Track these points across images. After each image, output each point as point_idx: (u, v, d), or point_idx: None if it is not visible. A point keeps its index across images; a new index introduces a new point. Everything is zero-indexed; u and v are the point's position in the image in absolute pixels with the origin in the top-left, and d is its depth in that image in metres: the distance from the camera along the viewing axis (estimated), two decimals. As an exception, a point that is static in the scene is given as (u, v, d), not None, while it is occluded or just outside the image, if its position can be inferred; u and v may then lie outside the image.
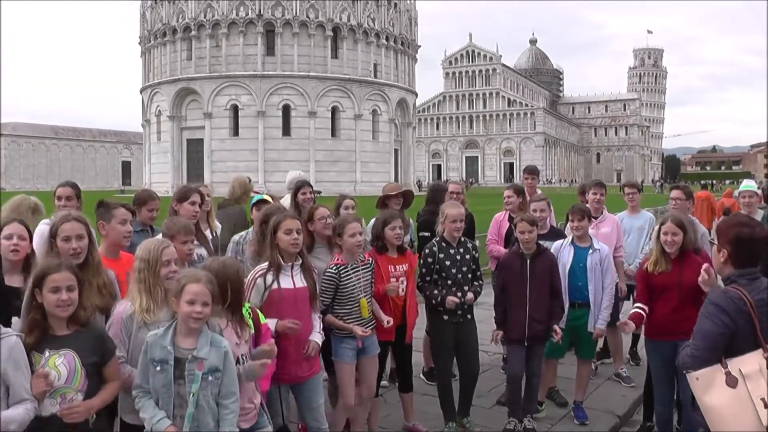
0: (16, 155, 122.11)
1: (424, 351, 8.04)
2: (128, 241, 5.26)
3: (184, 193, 6.50)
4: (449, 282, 6.28)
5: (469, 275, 6.39)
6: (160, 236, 5.19)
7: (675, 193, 7.84)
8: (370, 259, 5.96)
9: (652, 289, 5.74)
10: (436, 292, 6.26)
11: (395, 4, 71.59)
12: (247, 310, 4.46)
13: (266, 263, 5.16)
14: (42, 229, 5.41)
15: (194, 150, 65.80)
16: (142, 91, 73.07)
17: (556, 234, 7.46)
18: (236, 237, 6.77)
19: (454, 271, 6.30)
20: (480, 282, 6.52)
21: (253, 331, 4.45)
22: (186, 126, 67.06)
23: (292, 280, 5.13)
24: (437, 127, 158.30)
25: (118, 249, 5.20)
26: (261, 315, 4.75)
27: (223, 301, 4.12)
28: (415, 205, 8.20)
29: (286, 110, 64.50)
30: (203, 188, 7.24)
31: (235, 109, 64.58)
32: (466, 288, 6.29)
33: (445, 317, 6.33)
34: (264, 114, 63.80)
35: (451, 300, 6.14)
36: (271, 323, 4.92)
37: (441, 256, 6.32)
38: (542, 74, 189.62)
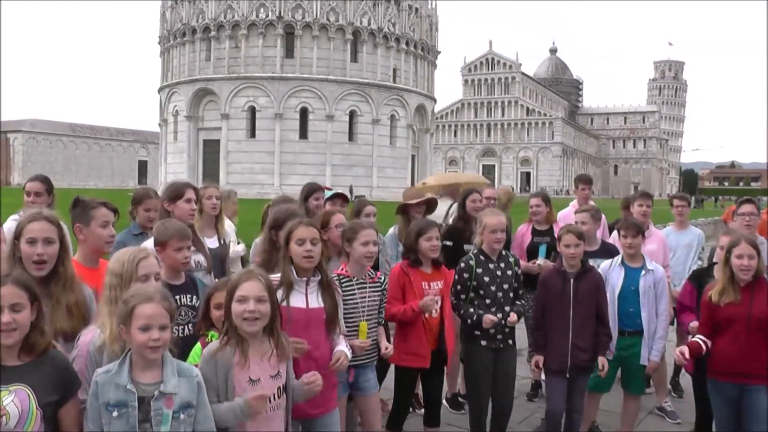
0: (33, 151, 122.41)
1: (448, 375, 7.24)
2: (110, 247, 4.46)
3: (176, 190, 5.67)
4: (487, 301, 5.53)
5: (511, 294, 5.62)
6: (150, 242, 4.49)
7: (747, 208, 6.83)
8: (383, 277, 5.18)
9: (717, 322, 4.95)
10: (472, 310, 5.50)
11: (416, 9, 70.90)
12: None
13: (277, 275, 4.38)
14: (10, 226, 4.68)
15: (210, 151, 65.41)
16: (159, 90, 72.72)
17: (609, 252, 6.67)
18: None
19: (493, 288, 5.54)
20: (523, 302, 5.77)
21: None
22: (203, 126, 66.60)
23: (305, 298, 4.33)
24: (455, 135, 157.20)
25: (98, 257, 4.41)
26: None
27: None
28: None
29: (304, 113, 63.95)
30: (212, 189, 6.53)
31: (253, 111, 64.09)
32: (507, 309, 5.54)
33: (483, 342, 5.57)
34: (281, 116, 63.27)
35: (489, 319, 5.36)
36: None
37: (479, 271, 5.56)
38: (561, 84, 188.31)
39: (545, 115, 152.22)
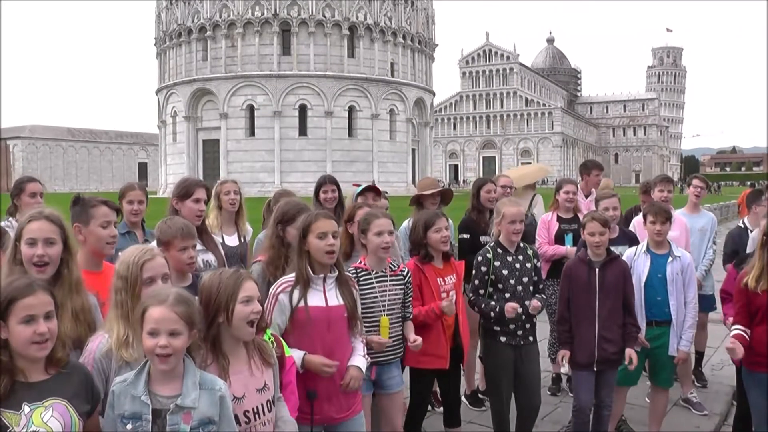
0: (33, 157, 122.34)
1: (468, 371, 7.02)
2: (112, 249, 4.18)
3: (185, 188, 5.39)
4: (507, 295, 5.25)
5: (531, 287, 5.37)
6: (154, 243, 4.20)
7: None
8: (406, 269, 4.87)
9: (754, 310, 4.61)
10: (492, 303, 5.23)
11: (412, 3, 70.74)
12: (269, 338, 3.54)
13: (292, 275, 4.12)
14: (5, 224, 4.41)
15: (210, 150, 65.29)
16: (157, 92, 72.56)
17: (630, 239, 6.40)
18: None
19: (512, 281, 5.27)
20: (542, 295, 5.48)
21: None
22: (202, 127, 66.48)
23: (324, 296, 4.07)
24: (454, 127, 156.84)
25: (100, 259, 4.11)
26: (285, 345, 3.74)
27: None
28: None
29: (303, 110, 63.84)
30: (230, 183, 6.29)
31: (251, 110, 64.00)
32: (527, 303, 5.27)
33: (503, 339, 5.30)
34: (280, 114, 63.13)
35: (512, 307, 5.08)
36: (297, 356, 3.91)
37: (497, 264, 5.28)
38: (560, 73, 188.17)
39: (544, 105, 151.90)
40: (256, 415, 3.21)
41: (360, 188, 6.41)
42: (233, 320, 3.13)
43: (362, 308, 4.44)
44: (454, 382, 5.46)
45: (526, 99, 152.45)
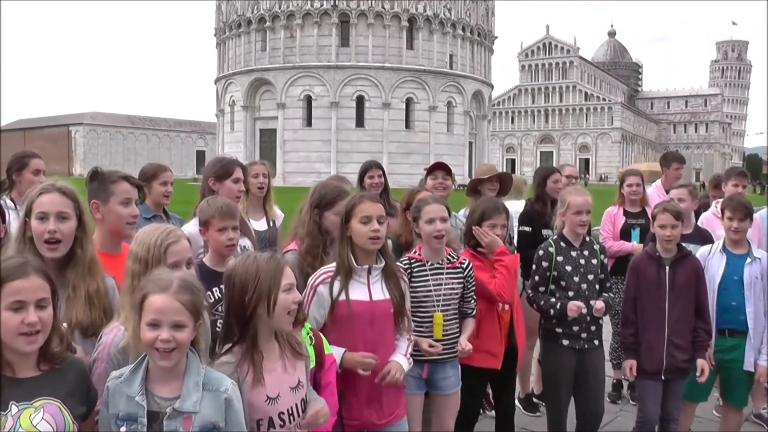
0: (94, 143, 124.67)
1: (522, 373, 6.65)
2: (132, 229, 3.68)
3: (224, 168, 5.08)
4: (570, 294, 4.84)
5: (596, 285, 4.93)
6: (192, 225, 3.93)
7: None
8: (467, 261, 4.44)
9: None
10: (553, 299, 4.85)
11: (472, -6, 70.13)
12: (307, 333, 3.22)
13: (332, 264, 3.76)
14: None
15: (267, 140, 65.77)
16: (216, 81, 73.40)
17: (703, 238, 5.87)
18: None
19: (576, 279, 4.85)
20: (610, 294, 5.05)
21: (313, 364, 3.13)
22: (259, 116, 67.02)
23: (367, 289, 3.70)
24: (512, 121, 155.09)
25: (119, 240, 3.72)
26: (325, 341, 3.39)
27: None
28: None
29: (360, 101, 63.89)
30: (259, 166, 5.89)
31: (309, 100, 64.23)
32: (592, 303, 4.82)
33: (565, 342, 4.89)
34: (337, 105, 63.24)
35: (576, 306, 4.69)
36: (337, 353, 3.54)
37: (559, 259, 4.88)
38: (620, 68, 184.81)
39: (604, 100, 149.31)
40: (291, 417, 2.85)
41: (429, 167, 6.10)
42: (275, 311, 2.77)
43: (415, 303, 4.12)
44: (508, 386, 5.05)
45: (586, 93, 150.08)
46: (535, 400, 6.77)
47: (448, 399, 4.41)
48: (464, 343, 4.24)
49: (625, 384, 7.06)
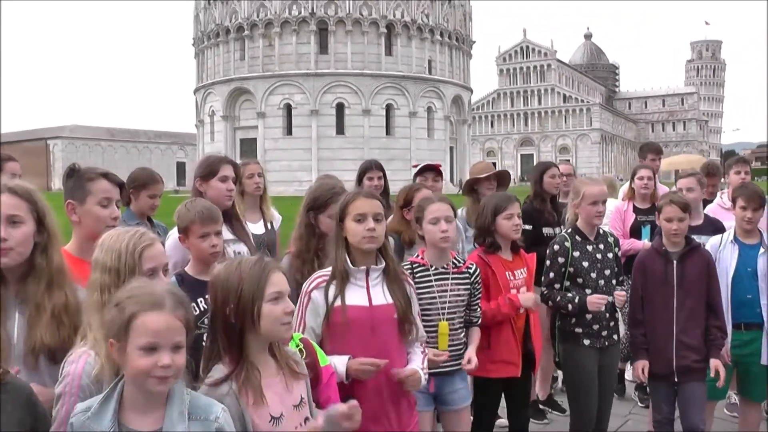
0: (73, 157, 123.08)
1: (540, 377, 6.45)
2: None
3: (209, 167, 4.55)
4: (587, 291, 4.58)
5: (613, 281, 4.71)
6: (175, 231, 3.57)
7: None
8: (474, 266, 4.14)
9: None
10: (570, 294, 4.58)
11: (449, 0, 70.21)
12: (296, 345, 2.89)
13: (329, 268, 3.43)
14: None
15: (248, 149, 65.32)
16: (195, 91, 72.89)
17: (716, 229, 5.59)
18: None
19: (593, 275, 4.61)
20: (625, 286, 4.86)
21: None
22: (239, 126, 66.59)
23: (366, 293, 3.35)
24: (492, 125, 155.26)
25: None
26: (320, 352, 3.06)
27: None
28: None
29: (340, 109, 63.64)
30: (254, 165, 5.62)
31: (289, 108, 63.94)
32: (610, 299, 4.58)
33: (587, 342, 4.63)
34: (317, 113, 62.97)
35: (598, 299, 4.44)
36: (340, 363, 3.21)
37: (575, 254, 4.62)
38: (598, 69, 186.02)
39: (582, 101, 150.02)
40: None
41: (418, 168, 5.88)
42: (261, 324, 2.46)
43: (419, 308, 3.76)
44: (522, 394, 4.74)
45: (564, 95, 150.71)
46: (541, 406, 6.55)
47: (460, 414, 4.15)
48: (472, 358, 4.02)
49: (632, 386, 6.92)
